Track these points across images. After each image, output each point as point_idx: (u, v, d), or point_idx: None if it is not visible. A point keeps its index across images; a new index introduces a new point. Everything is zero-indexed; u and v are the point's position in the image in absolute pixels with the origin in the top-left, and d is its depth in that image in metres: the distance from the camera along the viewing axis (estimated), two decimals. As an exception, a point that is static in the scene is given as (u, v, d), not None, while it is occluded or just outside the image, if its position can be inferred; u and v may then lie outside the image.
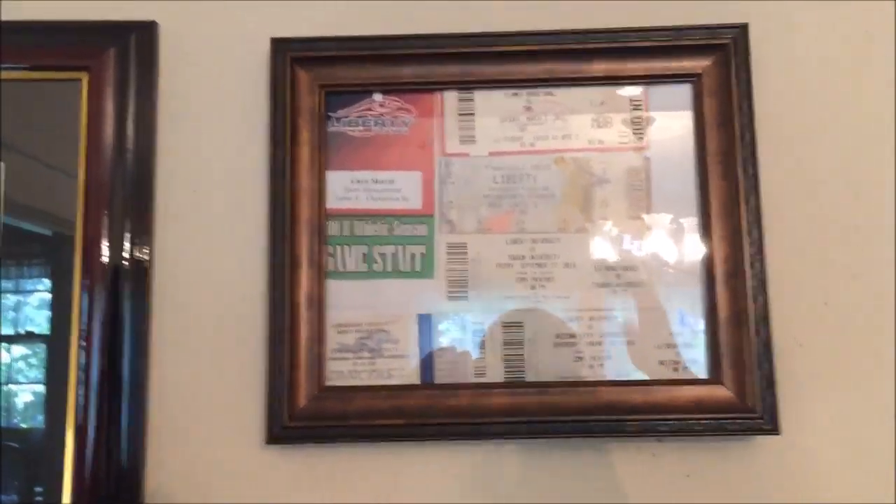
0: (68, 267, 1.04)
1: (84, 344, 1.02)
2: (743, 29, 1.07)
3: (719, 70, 1.07)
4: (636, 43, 1.07)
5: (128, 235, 1.05)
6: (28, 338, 1.07)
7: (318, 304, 1.05)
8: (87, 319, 1.03)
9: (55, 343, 1.05)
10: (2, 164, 1.06)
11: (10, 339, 1.06)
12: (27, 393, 1.07)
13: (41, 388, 1.06)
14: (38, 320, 1.07)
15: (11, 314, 1.06)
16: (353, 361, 1.06)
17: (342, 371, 1.05)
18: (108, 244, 1.04)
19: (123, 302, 1.04)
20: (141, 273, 1.05)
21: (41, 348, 1.07)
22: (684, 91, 1.09)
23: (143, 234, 1.06)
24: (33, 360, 1.07)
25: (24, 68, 1.07)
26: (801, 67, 1.10)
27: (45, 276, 1.08)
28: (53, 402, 1.04)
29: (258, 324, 1.06)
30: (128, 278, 1.04)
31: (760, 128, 1.06)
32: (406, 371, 1.06)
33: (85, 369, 1.02)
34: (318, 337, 1.04)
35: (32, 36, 1.07)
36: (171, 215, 1.08)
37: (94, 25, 1.07)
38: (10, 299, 1.06)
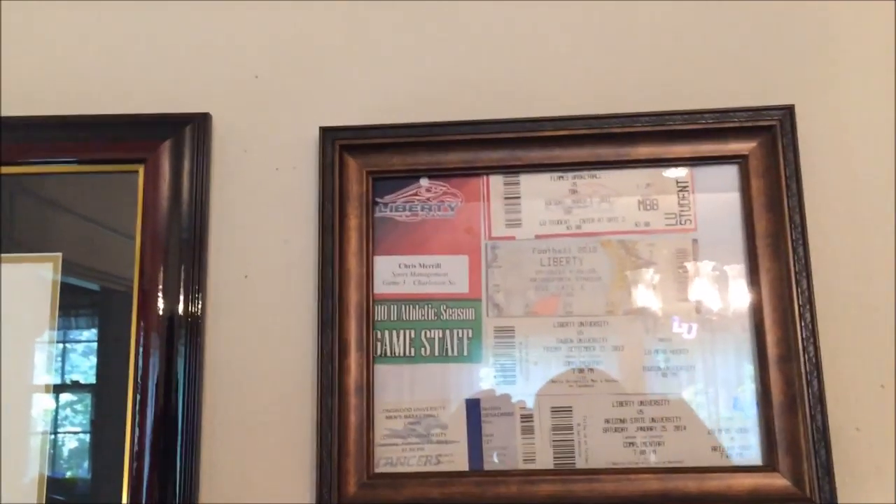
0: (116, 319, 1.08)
1: (139, 395, 1.05)
2: (789, 110, 1.07)
3: (766, 151, 1.07)
4: (681, 126, 1.08)
5: (180, 320, 1.07)
6: (75, 387, 1.09)
7: (367, 389, 1.06)
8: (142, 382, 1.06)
9: (102, 392, 1.08)
10: (60, 253, 1.10)
11: (58, 388, 1.09)
12: (73, 440, 1.09)
13: (87, 437, 1.08)
14: (83, 369, 1.09)
15: (58, 363, 1.09)
16: (402, 447, 1.05)
17: (391, 458, 1.05)
18: (158, 333, 1.07)
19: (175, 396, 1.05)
20: (194, 359, 1.06)
21: (87, 396, 1.09)
22: (731, 172, 1.09)
23: (196, 319, 1.07)
24: (79, 408, 1.09)
25: (82, 162, 1.10)
26: (850, 147, 1.09)
27: (93, 328, 1.11)
28: (99, 451, 1.07)
29: (307, 408, 1.06)
30: (182, 375, 1.06)
31: (810, 208, 1.05)
32: (455, 457, 1.05)
33: (140, 421, 1.05)
34: (367, 422, 1.05)
35: (90, 131, 1.11)
36: (223, 301, 1.10)
37: (150, 119, 1.11)
38: (58, 348, 1.09)
